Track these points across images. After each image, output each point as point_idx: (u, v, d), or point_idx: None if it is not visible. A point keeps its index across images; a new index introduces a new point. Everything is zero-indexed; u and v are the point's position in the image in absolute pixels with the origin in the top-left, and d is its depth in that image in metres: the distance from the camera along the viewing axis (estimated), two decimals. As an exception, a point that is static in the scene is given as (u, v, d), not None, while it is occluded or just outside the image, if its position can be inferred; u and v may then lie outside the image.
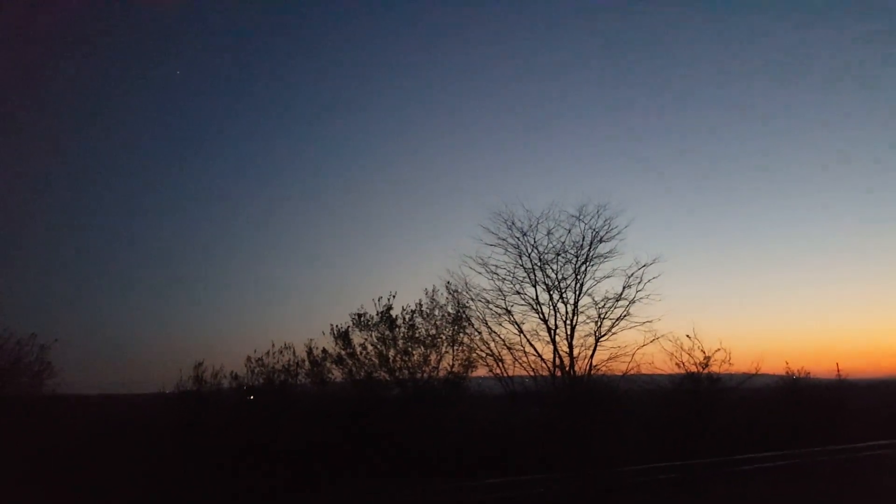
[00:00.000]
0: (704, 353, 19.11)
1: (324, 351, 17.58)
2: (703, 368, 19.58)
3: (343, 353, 17.41)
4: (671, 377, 19.84)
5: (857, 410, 23.71)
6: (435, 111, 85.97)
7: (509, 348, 17.69)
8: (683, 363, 19.43)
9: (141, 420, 17.46)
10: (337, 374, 17.73)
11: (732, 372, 20.43)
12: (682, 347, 19.16)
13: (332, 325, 17.71)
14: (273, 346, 17.21)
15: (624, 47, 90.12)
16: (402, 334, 17.48)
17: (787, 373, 24.25)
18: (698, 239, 74.16)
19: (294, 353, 17.47)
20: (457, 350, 17.54)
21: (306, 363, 17.48)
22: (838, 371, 24.58)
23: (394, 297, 17.60)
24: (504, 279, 18.41)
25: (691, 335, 19.22)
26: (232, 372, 16.99)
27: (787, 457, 17.26)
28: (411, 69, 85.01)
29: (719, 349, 19.13)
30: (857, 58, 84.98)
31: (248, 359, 17.16)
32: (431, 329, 17.72)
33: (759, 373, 22.71)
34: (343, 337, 17.60)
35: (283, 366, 17.27)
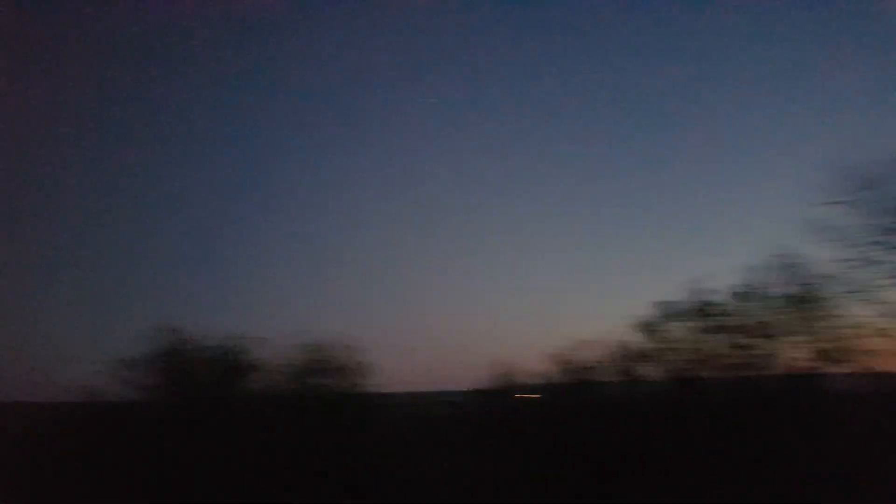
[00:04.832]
0: None
1: (626, 345, 15.45)
2: None
3: (657, 346, 15.01)
4: None
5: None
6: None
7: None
8: None
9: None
10: (645, 371, 15.51)
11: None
12: None
13: (635, 316, 15.42)
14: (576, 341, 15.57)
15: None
16: (726, 323, 14.60)
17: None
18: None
19: (595, 349, 15.74)
20: (804, 340, 14.15)
21: (611, 359, 15.46)
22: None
23: (712, 279, 14.79)
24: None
25: None
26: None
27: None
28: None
29: None
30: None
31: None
32: (761, 315, 14.55)
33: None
34: (650, 330, 15.21)
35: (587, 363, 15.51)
